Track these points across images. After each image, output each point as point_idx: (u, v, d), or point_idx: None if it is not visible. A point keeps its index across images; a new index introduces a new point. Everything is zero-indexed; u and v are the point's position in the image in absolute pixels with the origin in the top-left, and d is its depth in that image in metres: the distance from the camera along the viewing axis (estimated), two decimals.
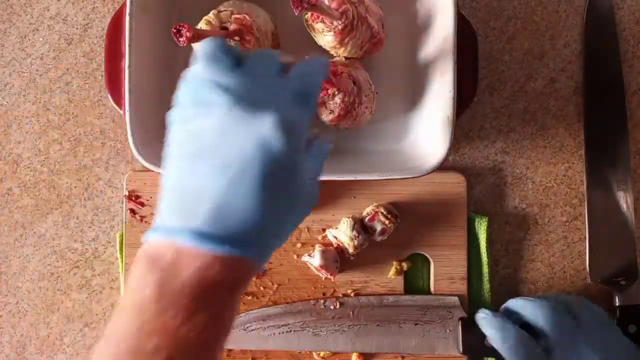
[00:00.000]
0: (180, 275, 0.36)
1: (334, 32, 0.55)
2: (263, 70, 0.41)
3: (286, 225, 0.40)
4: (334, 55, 0.59)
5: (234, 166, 0.36)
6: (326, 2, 0.54)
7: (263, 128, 0.37)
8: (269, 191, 0.37)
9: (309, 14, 0.56)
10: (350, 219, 0.61)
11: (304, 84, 0.42)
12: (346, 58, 0.58)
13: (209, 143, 0.37)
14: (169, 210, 0.38)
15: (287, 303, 0.63)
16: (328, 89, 0.55)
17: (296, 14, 0.49)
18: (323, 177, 0.56)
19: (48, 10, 0.66)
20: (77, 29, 0.66)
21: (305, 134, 0.40)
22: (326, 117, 0.58)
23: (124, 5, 0.57)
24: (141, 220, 0.63)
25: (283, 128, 0.37)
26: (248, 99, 0.38)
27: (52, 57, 0.66)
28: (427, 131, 0.60)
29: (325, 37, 0.56)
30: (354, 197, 0.63)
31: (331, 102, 0.56)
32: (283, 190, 0.38)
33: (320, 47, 0.58)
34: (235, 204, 0.37)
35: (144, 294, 0.36)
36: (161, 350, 0.35)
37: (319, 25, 0.55)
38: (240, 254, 0.37)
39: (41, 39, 0.66)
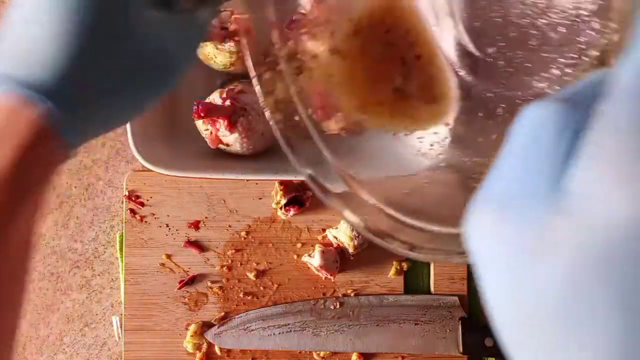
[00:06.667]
0: None
1: None
2: None
3: (110, 88, 0.34)
4: None
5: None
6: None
7: None
8: (65, 23, 0.31)
9: None
10: None
11: None
12: None
13: None
14: None
15: (287, 303, 0.63)
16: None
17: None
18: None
19: None
20: None
21: None
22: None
23: None
24: (141, 220, 0.63)
25: None
26: None
27: None
28: None
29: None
30: None
31: None
32: (98, 32, 0.32)
33: None
34: (27, 40, 0.32)
35: None
36: None
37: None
38: (24, 95, 0.31)
39: None
